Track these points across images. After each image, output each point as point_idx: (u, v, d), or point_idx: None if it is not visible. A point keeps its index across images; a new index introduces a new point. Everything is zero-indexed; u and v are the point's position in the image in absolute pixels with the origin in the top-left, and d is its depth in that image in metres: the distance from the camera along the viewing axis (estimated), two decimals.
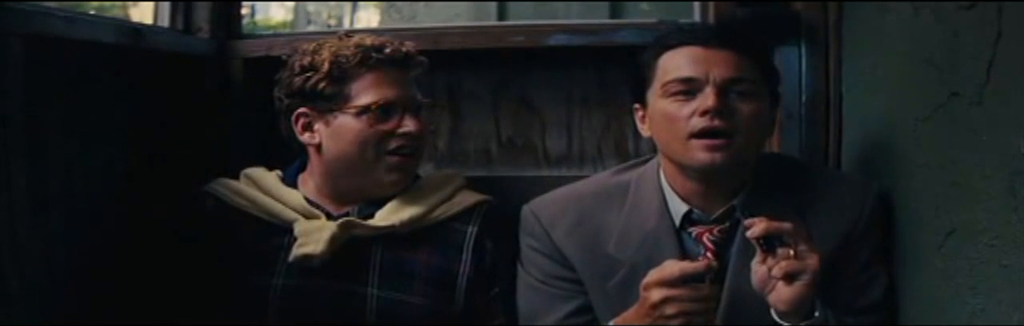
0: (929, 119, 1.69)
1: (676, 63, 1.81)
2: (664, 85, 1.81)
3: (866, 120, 2.16)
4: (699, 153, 1.78)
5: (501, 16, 7.00)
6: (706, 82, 1.78)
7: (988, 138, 1.44)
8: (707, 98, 1.76)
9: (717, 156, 1.77)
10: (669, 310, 1.69)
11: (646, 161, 1.99)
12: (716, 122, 1.76)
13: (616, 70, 2.48)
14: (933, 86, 1.66)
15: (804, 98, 2.35)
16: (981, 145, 1.46)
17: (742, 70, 1.79)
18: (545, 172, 2.56)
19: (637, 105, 1.90)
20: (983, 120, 1.46)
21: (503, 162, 2.57)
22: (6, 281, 1.66)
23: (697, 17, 2.53)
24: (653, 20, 2.54)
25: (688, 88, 1.79)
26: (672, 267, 1.70)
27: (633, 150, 2.52)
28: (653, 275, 1.71)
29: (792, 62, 2.32)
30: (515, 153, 2.57)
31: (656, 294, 1.69)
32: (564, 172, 2.54)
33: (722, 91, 1.77)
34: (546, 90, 2.54)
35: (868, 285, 1.83)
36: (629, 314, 1.78)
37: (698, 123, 1.76)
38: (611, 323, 1.83)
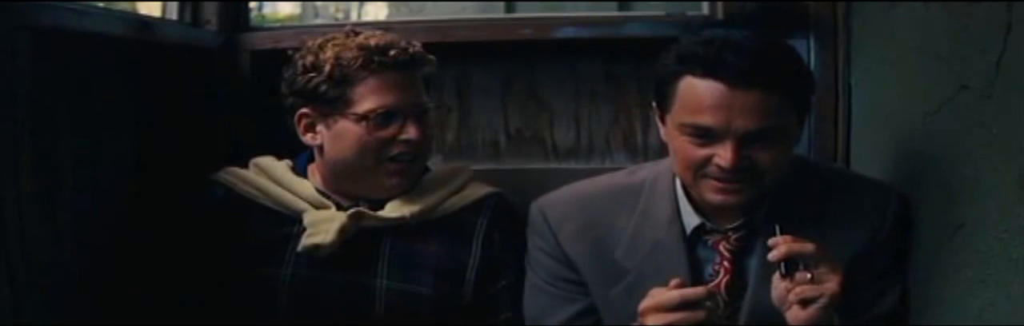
0: (938, 112, 1.69)
1: (695, 102, 1.66)
2: (681, 124, 1.69)
3: (875, 114, 2.15)
4: (711, 194, 1.72)
5: (509, 10, 6.99)
6: (727, 133, 1.65)
7: (998, 131, 1.44)
8: (725, 151, 1.65)
9: (731, 198, 1.72)
10: None
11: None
12: (732, 176, 1.68)
13: (624, 63, 2.48)
14: (942, 79, 1.66)
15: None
16: (991, 138, 1.46)
17: (769, 116, 1.65)
18: (553, 165, 2.56)
19: (655, 107, 1.79)
20: (993, 113, 1.46)
21: (511, 155, 2.57)
22: (15, 275, 1.66)
23: (706, 10, 2.53)
24: (661, 13, 2.54)
25: (705, 134, 1.66)
26: (671, 294, 1.65)
27: (642, 143, 2.51)
28: (650, 301, 1.67)
29: (801, 55, 2.31)
30: (523, 146, 2.57)
31: (652, 320, 1.66)
32: (572, 165, 2.54)
33: (743, 143, 1.65)
34: (554, 83, 2.54)
35: (883, 293, 1.80)
36: None
37: (712, 171, 1.69)
38: None
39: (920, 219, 1.78)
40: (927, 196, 1.75)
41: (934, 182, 1.71)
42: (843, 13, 2.32)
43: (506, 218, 2.08)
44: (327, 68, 1.95)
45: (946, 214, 1.63)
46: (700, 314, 1.65)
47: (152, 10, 2.62)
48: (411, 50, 1.99)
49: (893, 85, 2.00)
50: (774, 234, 1.63)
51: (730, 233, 1.82)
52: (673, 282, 1.67)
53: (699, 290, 1.65)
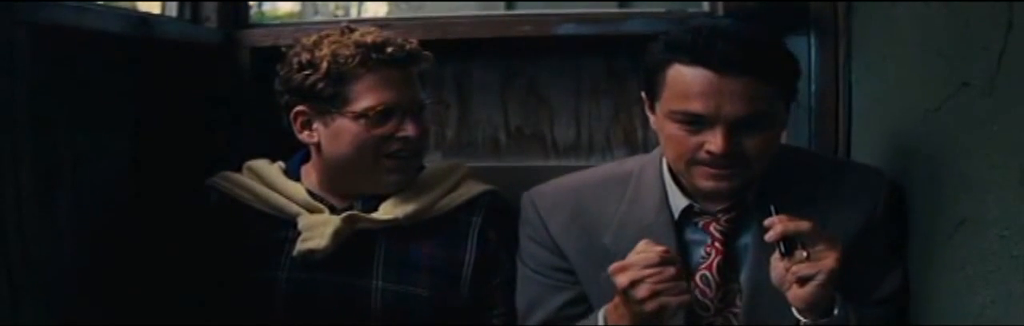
0: (939, 109, 1.69)
1: (684, 90, 1.68)
2: (670, 112, 1.71)
3: (876, 111, 2.15)
4: (702, 180, 1.74)
5: (508, 9, 6.99)
6: (716, 119, 1.66)
7: (999, 128, 1.44)
8: (716, 137, 1.67)
9: (722, 185, 1.74)
10: (640, 293, 1.65)
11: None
12: (722, 162, 1.70)
13: (624, 59, 2.48)
14: (943, 76, 1.66)
15: (813, 89, 2.34)
16: (991, 135, 1.46)
17: (758, 102, 1.66)
18: (553, 162, 2.56)
19: (644, 96, 1.81)
20: (993, 110, 1.46)
21: (511, 152, 2.57)
22: (14, 273, 1.66)
23: (706, 7, 2.52)
24: (661, 9, 2.54)
25: (695, 121, 1.68)
26: (643, 255, 1.67)
27: (642, 140, 2.52)
28: (617, 263, 1.68)
29: (801, 52, 2.30)
30: (523, 143, 2.57)
31: (622, 278, 1.66)
32: (572, 162, 2.55)
33: (733, 129, 1.67)
34: (554, 79, 2.54)
35: (884, 276, 1.81)
36: (610, 305, 1.76)
37: (703, 156, 1.70)
38: (600, 313, 1.81)
39: (920, 216, 1.78)
40: (927, 193, 1.75)
41: (935, 179, 1.71)
42: (844, 11, 2.31)
43: (500, 216, 2.08)
44: (324, 66, 1.94)
45: (947, 211, 1.63)
46: (670, 270, 1.66)
47: (152, 8, 2.61)
48: (407, 47, 1.99)
49: (894, 82, 2.00)
50: (769, 214, 1.65)
51: (719, 215, 1.83)
52: (642, 243, 1.70)
53: (653, 256, 1.66)
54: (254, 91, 2.44)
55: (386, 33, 2.01)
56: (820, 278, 1.60)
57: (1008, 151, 1.40)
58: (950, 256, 1.61)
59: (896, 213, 1.84)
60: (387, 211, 2.01)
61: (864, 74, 2.23)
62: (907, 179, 1.85)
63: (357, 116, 1.95)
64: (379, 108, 1.94)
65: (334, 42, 1.96)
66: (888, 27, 2.02)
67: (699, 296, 1.83)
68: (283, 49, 2.05)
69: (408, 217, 2.01)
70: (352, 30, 2.01)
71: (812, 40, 2.35)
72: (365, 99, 1.95)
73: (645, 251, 1.68)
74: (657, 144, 1.84)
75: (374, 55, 1.94)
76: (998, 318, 1.42)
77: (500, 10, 6.77)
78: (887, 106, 2.05)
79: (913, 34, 1.84)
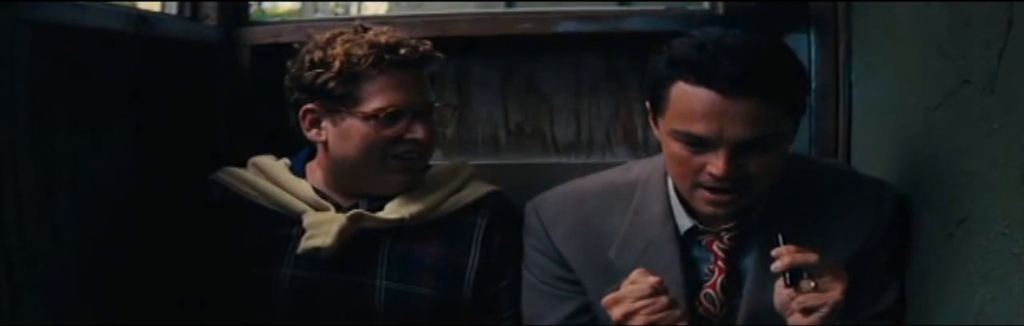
0: (940, 107, 1.69)
1: (688, 110, 1.64)
2: (673, 131, 1.67)
3: (876, 109, 2.15)
4: (703, 204, 1.72)
5: (509, 5, 6.99)
6: (719, 142, 1.62)
7: (999, 126, 1.44)
8: (718, 160, 1.63)
9: (721, 210, 1.73)
10: (635, 324, 1.65)
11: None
12: (724, 185, 1.67)
13: (625, 57, 2.48)
14: (944, 74, 1.65)
15: (813, 87, 2.34)
16: (992, 133, 1.46)
17: (762, 124, 1.62)
18: (553, 159, 2.56)
19: (648, 107, 1.77)
20: (994, 108, 1.45)
21: (511, 149, 2.57)
22: (14, 271, 1.66)
23: (706, 5, 2.52)
24: (661, 7, 2.54)
25: (698, 142, 1.64)
26: (634, 286, 1.66)
27: (642, 138, 2.52)
28: (611, 295, 1.67)
29: (801, 51, 2.30)
30: (523, 140, 2.57)
31: (617, 311, 1.66)
32: (572, 159, 2.54)
33: (736, 152, 1.63)
34: (555, 77, 2.54)
35: (882, 291, 1.80)
36: None
37: (705, 179, 1.68)
38: None
39: (921, 214, 1.78)
40: (928, 191, 1.75)
41: (935, 177, 1.71)
42: (844, 10, 2.31)
43: (505, 218, 2.06)
44: (336, 65, 1.92)
45: (947, 209, 1.63)
46: (662, 301, 1.65)
47: (152, 6, 2.61)
48: (421, 48, 1.98)
49: (894, 80, 2.00)
50: (773, 237, 1.63)
51: (723, 233, 1.82)
52: (635, 272, 1.68)
53: (644, 286, 1.65)
54: (254, 89, 2.44)
55: (399, 33, 1.99)
56: (824, 310, 1.59)
57: (1009, 149, 1.40)
58: (951, 254, 1.61)
59: (899, 228, 1.82)
60: (393, 210, 2.01)
61: (864, 73, 2.23)
62: (907, 177, 1.85)
63: (367, 117, 1.94)
64: (389, 110, 1.93)
65: (347, 41, 1.95)
66: (888, 26, 2.02)
67: (704, 314, 1.83)
68: (295, 45, 2.04)
69: (414, 217, 2.01)
70: (366, 29, 1.99)
71: (812, 39, 2.35)
72: (376, 100, 1.94)
73: (638, 281, 1.67)
74: (658, 142, 1.82)
75: (388, 56, 1.93)
76: (998, 316, 1.42)
77: (500, 8, 6.76)
78: (887, 105, 2.05)
79: (913, 33, 1.84)
